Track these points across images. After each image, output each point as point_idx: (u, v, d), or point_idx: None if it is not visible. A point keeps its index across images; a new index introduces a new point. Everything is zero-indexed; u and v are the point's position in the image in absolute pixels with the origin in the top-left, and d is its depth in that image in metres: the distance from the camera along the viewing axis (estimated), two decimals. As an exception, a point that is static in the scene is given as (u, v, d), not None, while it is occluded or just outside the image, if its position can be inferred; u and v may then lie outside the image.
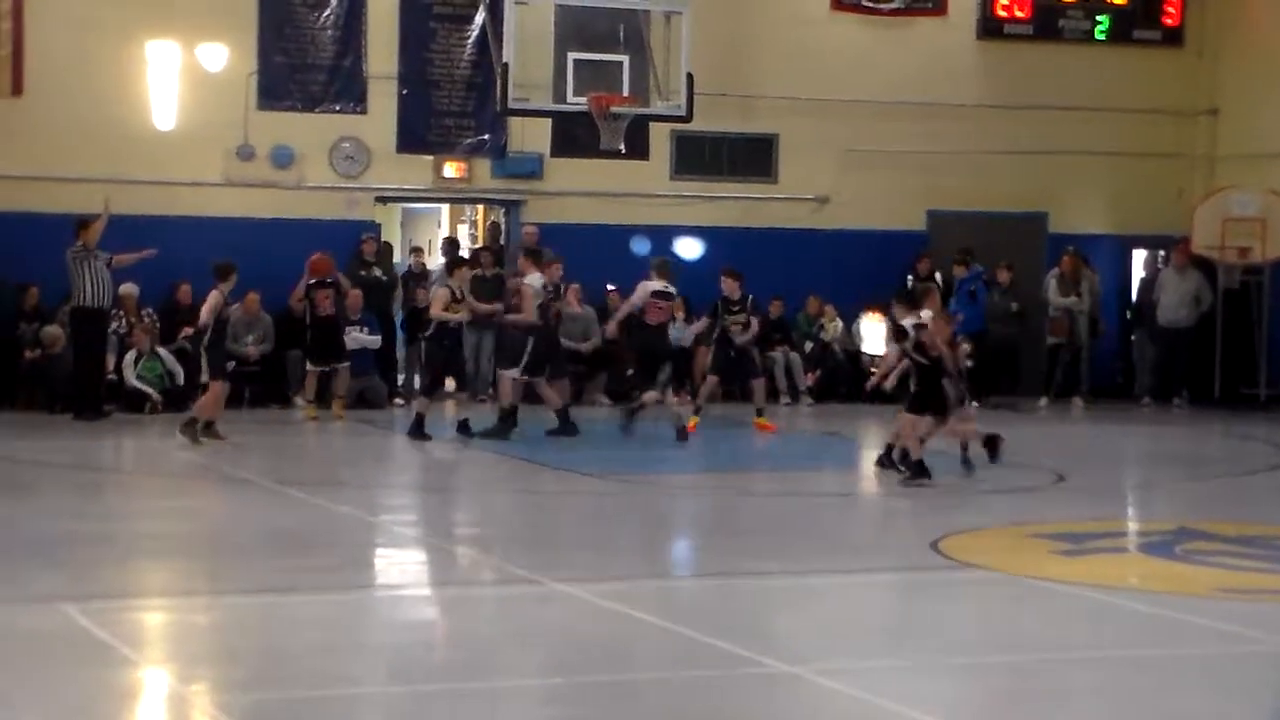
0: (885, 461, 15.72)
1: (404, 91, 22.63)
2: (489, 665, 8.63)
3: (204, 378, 17.49)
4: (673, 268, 19.30)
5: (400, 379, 22.28)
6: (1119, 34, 25.01)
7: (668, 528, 13.54)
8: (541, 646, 9.18)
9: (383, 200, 23.55)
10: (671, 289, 18.95)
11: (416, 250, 24.47)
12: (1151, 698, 8.14)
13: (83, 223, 19.68)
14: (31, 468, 15.87)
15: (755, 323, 19.58)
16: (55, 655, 8.57)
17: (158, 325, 20.90)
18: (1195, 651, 9.14)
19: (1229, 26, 25.03)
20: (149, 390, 20.20)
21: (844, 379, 23.37)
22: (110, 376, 20.11)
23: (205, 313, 17.38)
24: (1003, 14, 24.65)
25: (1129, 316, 25.07)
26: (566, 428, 18.07)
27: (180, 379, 20.39)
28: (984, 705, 8.15)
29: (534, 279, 18.27)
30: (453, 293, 18.00)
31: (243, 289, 21.04)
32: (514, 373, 18.01)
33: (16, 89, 21.02)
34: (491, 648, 9.08)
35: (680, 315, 21.91)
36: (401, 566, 11.81)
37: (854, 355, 23.63)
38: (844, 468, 17.84)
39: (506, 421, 17.95)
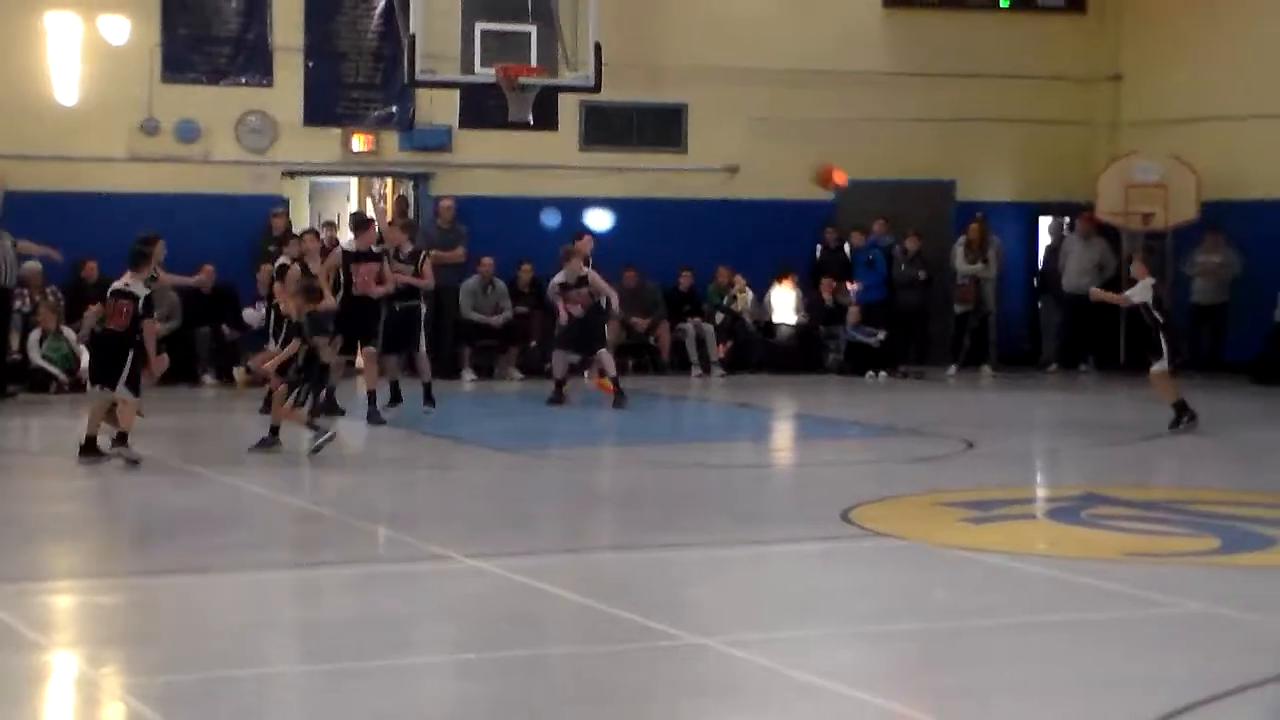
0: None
1: (310, 64, 22.48)
2: (403, 642, 8.62)
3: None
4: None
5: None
6: (1022, 1, 25.18)
7: (579, 501, 13.56)
8: (455, 622, 9.19)
9: (290, 174, 23.41)
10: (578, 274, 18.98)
11: (329, 224, 24.34)
12: (1062, 661, 8.24)
13: (-15, 199, 19.43)
14: (-65, 449, 15.69)
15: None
16: (-39, 640, 8.49)
17: (63, 304, 20.66)
18: (1103, 615, 9.26)
19: (1132, -7, 25.26)
20: (54, 370, 19.99)
21: (755, 350, 23.46)
22: (14, 356, 19.87)
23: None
24: (909, -19, 24.76)
25: (1035, 284, 25.29)
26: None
27: (84, 360, 20.11)
28: (895, 672, 8.22)
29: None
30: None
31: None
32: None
33: (-87, 64, 20.75)
34: (405, 625, 9.08)
35: None
36: (313, 545, 11.75)
37: (765, 326, 23.73)
38: (756, 438, 17.90)
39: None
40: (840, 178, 21.74)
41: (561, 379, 18.95)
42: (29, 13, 21.30)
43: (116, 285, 14.47)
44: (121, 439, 14.19)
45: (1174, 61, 24.46)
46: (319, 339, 14.88)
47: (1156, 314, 16.96)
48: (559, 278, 19.20)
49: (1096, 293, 18.69)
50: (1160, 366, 16.93)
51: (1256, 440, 17.08)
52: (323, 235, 23.11)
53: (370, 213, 22.56)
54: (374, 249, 17.74)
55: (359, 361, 17.83)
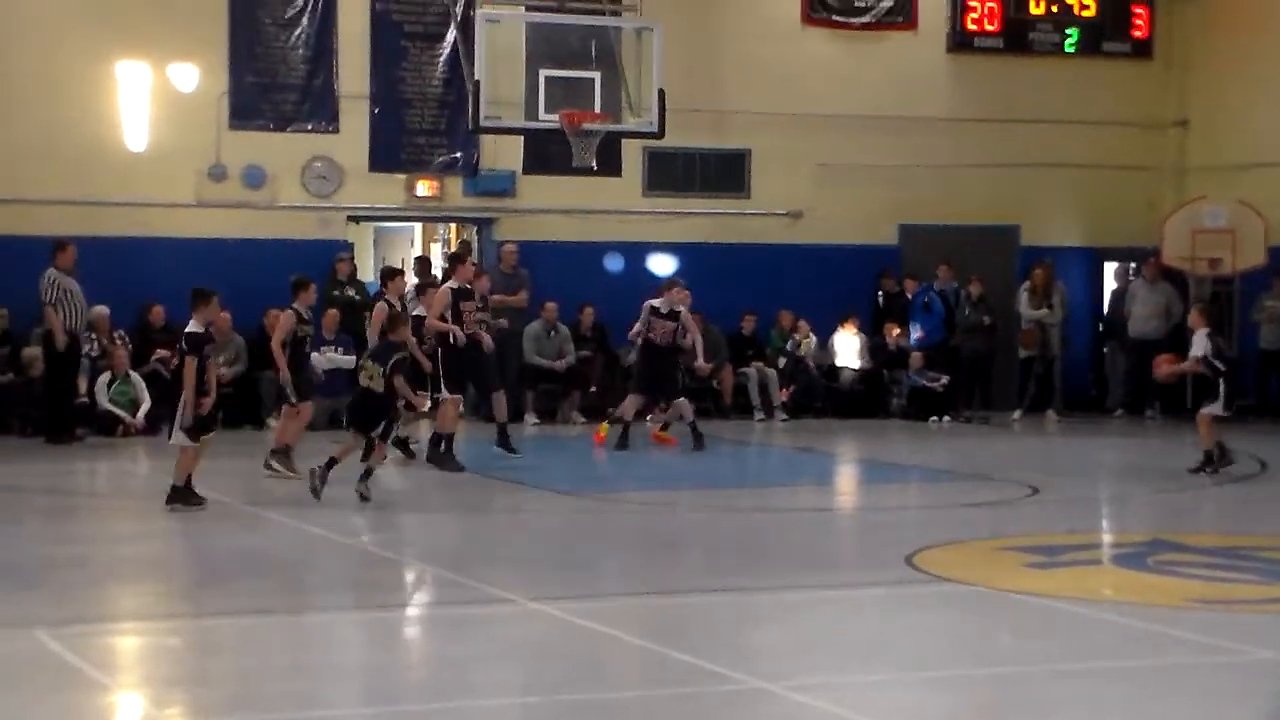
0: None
1: (376, 110, 22.64)
2: (465, 685, 8.62)
3: (293, 399, 16.45)
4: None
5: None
6: (1088, 46, 25.11)
7: (642, 545, 13.53)
8: (517, 665, 9.18)
9: (355, 219, 23.55)
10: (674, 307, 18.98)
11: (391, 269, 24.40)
12: (1129, 708, 8.18)
13: (59, 245, 19.61)
14: (3, 493, 15.79)
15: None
16: (27, 680, 8.53)
17: (130, 348, 20.81)
18: (1170, 661, 9.18)
19: (1197, 37, 25.16)
20: (121, 413, 20.14)
21: (818, 394, 23.41)
22: (82, 399, 20.03)
23: (279, 334, 16.32)
24: (973, 27, 24.73)
25: (1101, 329, 25.16)
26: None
27: (147, 403, 20.26)
28: (958, 718, 8.17)
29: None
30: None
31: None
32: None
33: (-13, 111, 21.05)
34: (467, 667, 9.07)
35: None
36: (376, 588, 11.77)
37: (828, 370, 23.68)
38: (819, 483, 17.85)
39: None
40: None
41: (628, 421, 18.91)
42: (100, 61, 21.54)
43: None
44: (184, 484, 14.13)
45: (1241, 106, 24.36)
46: (374, 366, 14.78)
47: (1217, 363, 16.95)
48: (656, 301, 19.20)
49: (1165, 371, 18.43)
50: (1212, 410, 16.91)
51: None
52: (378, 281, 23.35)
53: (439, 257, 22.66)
54: (469, 286, 17.64)
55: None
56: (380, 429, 14.63)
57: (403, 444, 17.43)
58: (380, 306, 16.78)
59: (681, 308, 19.25)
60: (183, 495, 14.07)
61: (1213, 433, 17.03)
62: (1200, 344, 17.05)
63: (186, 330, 14.27)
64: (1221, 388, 16.92)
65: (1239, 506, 15.76)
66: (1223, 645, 9.45)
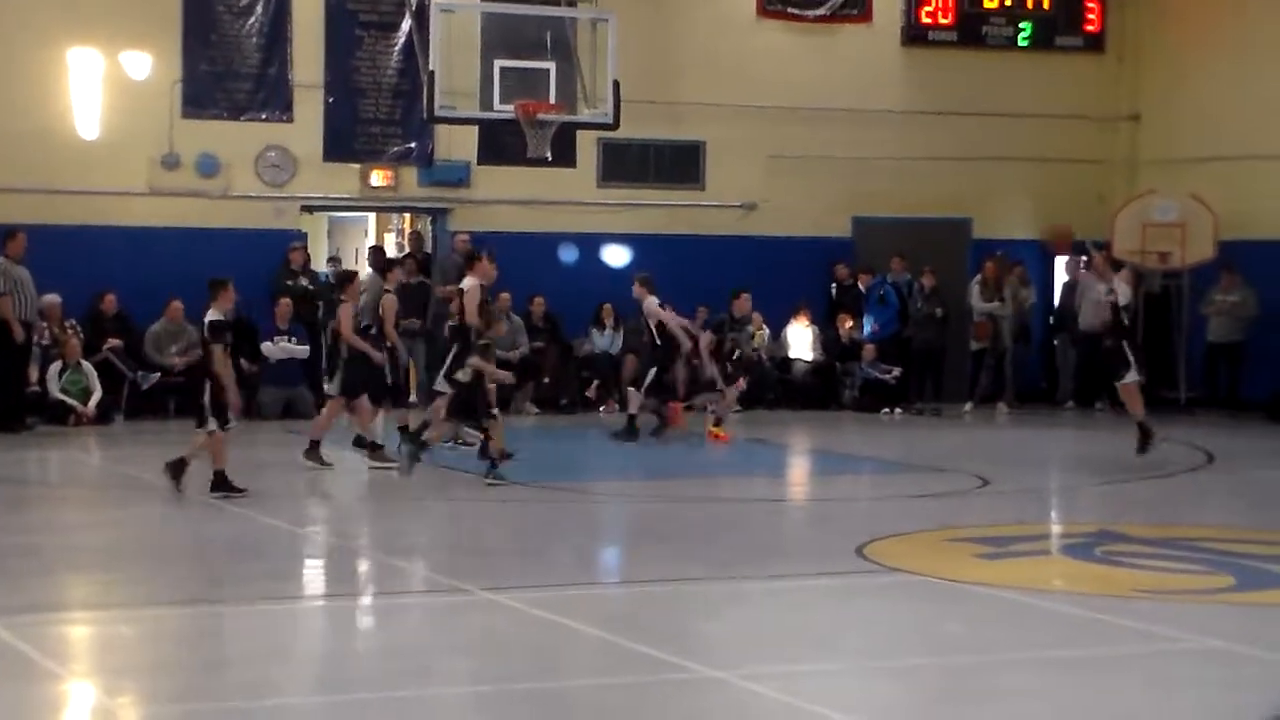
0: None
1: (330, 99, 22.58)
2: (418, 674, 8.65)
3: (334, 391, 16.55)
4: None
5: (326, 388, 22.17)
6: (1041, 41, 25.24)
7: (596, 535, 13.59)
8: (471, 654, 9.21)
9: (309, 209, 23.51)
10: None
11: (334, 259, 24.47)
12: (1074, 697, 8.25)
13: (9, 234, 19.52)
14: (-46, 481, 15.74)
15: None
16: (-19, 669, 8.54)
17: (82, 337, 20.74)
18: (1117, 651, 9.26)
19: (1150, 32, 25.31)
20: (73, 402, 20.07)
21: (771, 386, 23.48)
22: (33, 388, 19.95)
23: (346, 328, 16.32)
24: (927, 21, 24.84)
25: (1051, 322, 25.31)
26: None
27: (98, 392, 20.23)
28: (909, 707, 8.24)
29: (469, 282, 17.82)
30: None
31: (166, 298, 21.10)
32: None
33: (-62, 99, 20.94)
34: (421, 656, 9.10)
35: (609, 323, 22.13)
36: (329, 576, 11.80)
37: (781, 362, 23.76)
38: (772, 474, 17.92)
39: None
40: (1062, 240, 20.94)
41: (634, 414, 19.09)
42: (52, 48, 21.43)
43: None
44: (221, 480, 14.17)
45: (1192, 101, 24.52)
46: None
47: (1124, 318, 17.04)
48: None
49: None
50: (1132, 378, 16.99)
51: (1271, 479, 17.05)
52: (329, 271, 23.32)
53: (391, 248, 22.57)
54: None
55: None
56: (482, 416, 15.38)
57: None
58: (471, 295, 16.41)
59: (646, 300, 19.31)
60: (225, 483, 14.13)
61: (1141, 401, 17.09)
62: (1124, 291, 17.13)
63: (210, 320, 14.30)
64: (1129, 351, 16.97)
65: (1184, 498, 15.89)
66: (1167, 634, 9.55)
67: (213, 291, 14.48)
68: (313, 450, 16.25)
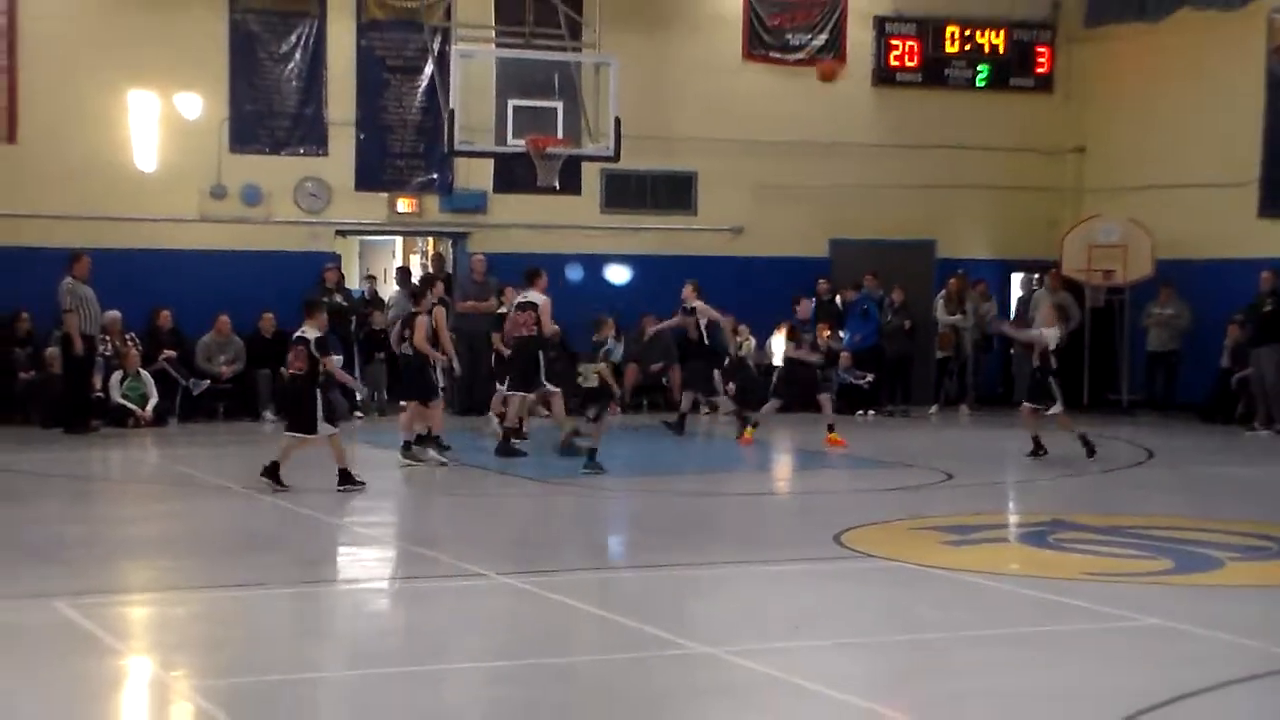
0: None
1: (361, 135, 22.58)
2: (441, 650, 8.63)
3: (417, 397, 16.48)
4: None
5: (359, 395, 22.17)
6: (997, 81, 25.23)
7: (601, 526, 13.56)
8: (488, 633, 9.19)
9: (342, 233, 23.48)
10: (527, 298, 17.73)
11: (370, 278, 24.46)
12: (1031, 670, 8.24)
13: (74, 257, 19.53)
14: (27, 478, 15.70)
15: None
16: (47, 646, 8.51)
17: (140, 348, 20.73)
18: (1068, 628, 9.25)
19: (1094, 74, 25.31)
20: (132, 407, 20.06)
21: (757, 390, 23.37)
22: (97, 394, 19.93)
23: (420, 336, 16.32)
24: (895, 64, 24.85)
25: (1009, 332, 25.26)
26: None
27: (154, 398, 20.24)
28: (882, 679, 8.21)
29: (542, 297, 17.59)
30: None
31: (215, 315, 21.14)
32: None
33: (11, 136, 20.95)
34: (443, 635, 9.08)
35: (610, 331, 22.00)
36: (362, 563, 11.77)
37: (765, 369, 23.69)
38: (757, 470, 17.88)
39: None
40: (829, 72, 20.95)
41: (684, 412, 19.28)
42: (113, 90, 21.44)
43: (296, 333, 14.47)
44: (345, 475, 14.24)
45: (1132, 135, 24.53)
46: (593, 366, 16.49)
47: (1053, 361, 17.35)
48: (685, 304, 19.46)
49: (1008, 329, 19.33)
50: (1057, 409, 17.36)
51: (1206, 473, 17.04)
52: (364, 288, 23.29)
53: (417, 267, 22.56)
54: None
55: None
56: (595, 412, 15.98)
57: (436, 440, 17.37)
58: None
59: (696, 303, 19.33)
60: (348, 478, 14.26)
61: (1070, 421, 17.42)
62: (1053, 335, 17.39)
63: (314, 338, 14.21)
64: (1055, 387, 17.35)
65: (1128, 490, 15.87)
66: (1113, 613, 9.52)
67: (309, 311, 14.54)
68: (408, 448, 16.34)
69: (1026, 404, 17.85)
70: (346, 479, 14.28)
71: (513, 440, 17.15)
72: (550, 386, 17.34)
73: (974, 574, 10.68)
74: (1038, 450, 17.51)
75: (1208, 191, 22.95)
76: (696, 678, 8.04)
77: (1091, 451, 17.12)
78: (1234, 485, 16.38)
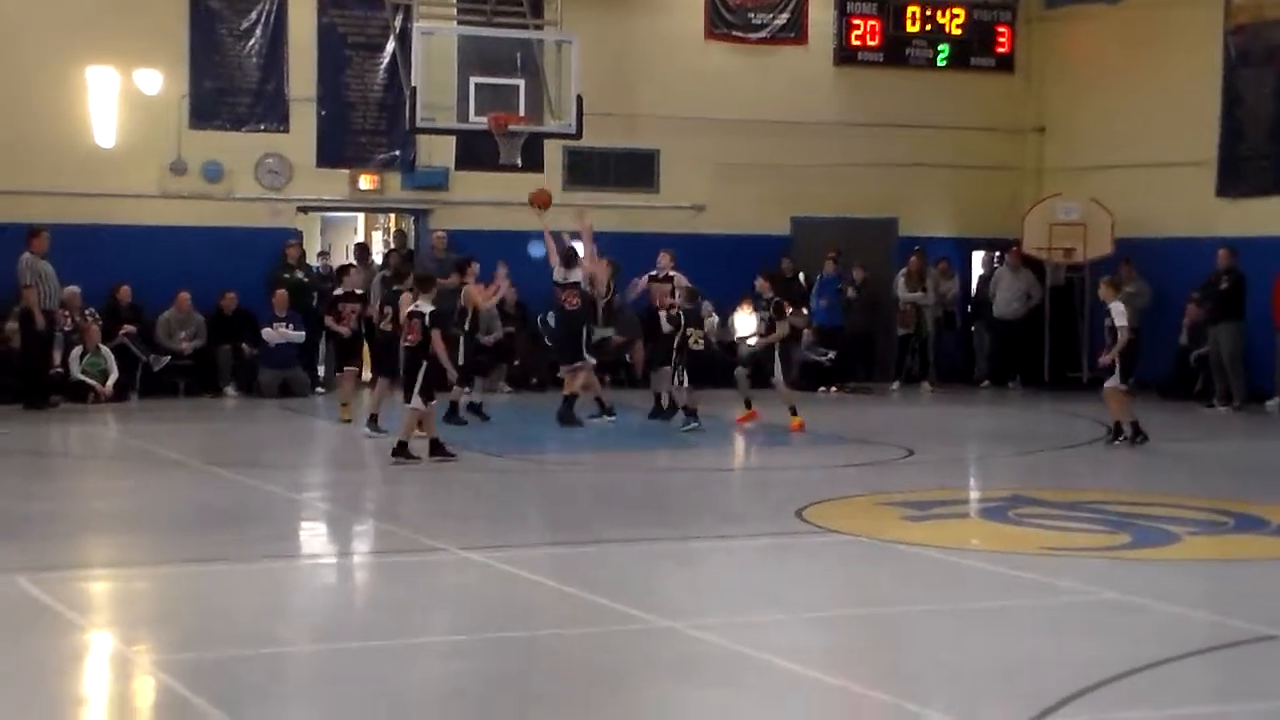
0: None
1: (322, 112, 22.48)
2: (401, 625, 8.62)
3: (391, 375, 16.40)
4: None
5: (320, 370, 22.12)
6: (958, 61, 25.26)
7: (562, 500, 13.55)
8: (448, 607, 9.20)
9: (304, 210, 23.37)
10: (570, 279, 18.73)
11: (322, 254, 24.38)
12: (988, 642, 8.29)
13: (33, 232, 19.39)
14: (-15, 453, 15.62)
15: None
16: (8, 621, 8.48)
17: (100, 324, 20.61)
18: (1025, 603, 9.31)
19: (1054, 54, 25.39)
20: (92, 383, 19.95)
21: (717, 366, 23.40)
22: (56, 370, 19.81)
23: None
24: (856, 43, 24.84)
25: (969, 310, 25.38)
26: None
27: (114, 374, 20.13)
28: (842, 652, 8.25)
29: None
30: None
31: (175, 291, 21.04)
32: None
33: (-30, 111, 20.77)
34: (404, 609, 9.08)
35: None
36: (322, 538, 11.76)
37: (728, 346, 23.71)
38: (719, 446, 17.90)
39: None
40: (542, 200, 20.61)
41: (659, 393, 19.13)
42: (73, 65, 21.26)
43: (410, 307, 14.64)
44: (401, 447, 14.40)
45: (1092, 116, 24.61)
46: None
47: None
48: (653, 272, 19.27)
49: (1108, 359, 16.80)
50: (1114, 384, 16.71)
51: (1164, 450, 17.11)
52: (319, 264, 23.19)
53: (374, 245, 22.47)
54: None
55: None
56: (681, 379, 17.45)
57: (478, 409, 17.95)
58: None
59: (674, 271, 19.20)
60: (439, 449, 14.55)
61: (1125, 407, 16.73)
62: (1121, 312, 16.61)
63: (429, 311, 14.44)
64: (1117, 361, 16.61)
65: (1088, 466, 15.95)
66: (1072, 587, 9.59)
67: (423, 286, 14.81)
68: (403, 448, 16.23)
69: (1111, 386, 16.64)
70: (438, 449, 14.53)
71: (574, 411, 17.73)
72: (590, 359, 17.98)
73: (934, 549, 10.73)
74: (1123, 434, 16.70)
75: (1167, 171, 23.05)
76: (658, 652, 8.06)
77: (1130, 437, 16.60)
78: (1192, 461, 16.50)
